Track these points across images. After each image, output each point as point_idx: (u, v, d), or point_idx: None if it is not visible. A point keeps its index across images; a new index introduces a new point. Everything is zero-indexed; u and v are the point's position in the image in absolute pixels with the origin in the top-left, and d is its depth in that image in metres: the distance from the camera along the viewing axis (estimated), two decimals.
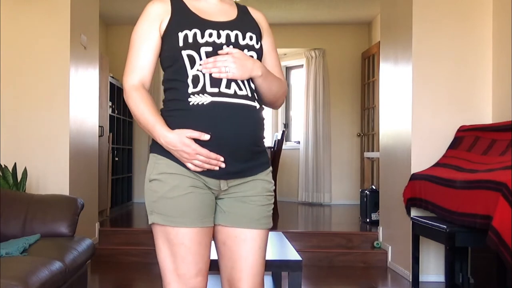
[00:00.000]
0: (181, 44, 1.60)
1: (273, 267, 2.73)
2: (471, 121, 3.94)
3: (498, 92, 3.91)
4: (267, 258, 2.74)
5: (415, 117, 4.00)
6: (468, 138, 3.74)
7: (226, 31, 1.63)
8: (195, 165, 1.56)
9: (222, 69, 1.57)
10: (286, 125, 8.21)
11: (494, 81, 3.96)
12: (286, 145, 7.85)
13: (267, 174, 1.70)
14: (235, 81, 1.59)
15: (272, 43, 1.79)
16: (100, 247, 4.70)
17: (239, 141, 1.58)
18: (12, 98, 4.12)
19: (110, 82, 6.27)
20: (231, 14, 1.72)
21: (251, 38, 1.66)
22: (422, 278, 3.88)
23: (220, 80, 1.58)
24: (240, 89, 1.59)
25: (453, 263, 3.39)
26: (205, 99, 1.57)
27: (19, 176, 3.73)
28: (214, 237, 1.68)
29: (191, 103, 1.57)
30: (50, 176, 4.11)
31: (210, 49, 1.60)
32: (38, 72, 4.15)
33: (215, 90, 1.57)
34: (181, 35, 1.60)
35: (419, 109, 4.00)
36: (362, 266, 4.58)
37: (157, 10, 1.71)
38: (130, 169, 7.55)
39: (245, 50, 1.64)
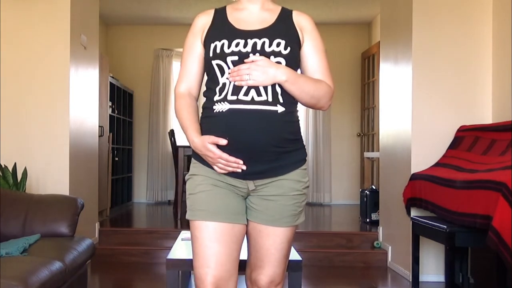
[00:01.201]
0: (211, 54, 1.74)
1: None
2: (471, 121, 3.94)
3: (498, 92, 3.91)
4: None
5: (415, 117, 4.01)
6: (468, 138, 3.74)
7: (254, 40, 1.71)
8: (220, 168, 1.70)
9: (244, 77, 1.65)
10: None
11: (494, 81, 3.96)
12: None
13: (297, 174, 1.76)
14: (256, 87, 1.67)
15: (316, 45, 1.81)
16: (100, 247, 4.70)
17: (256, 144, 1.67)
18: (12, 98, 4.12)
19: (110, 82, 6.27)
20: (268, 21, 1.78)
21: (278, 44, 1.71)
22: (422, 278, 3.88)
23: (241, 88, 1.68)
24: (259, 95, 1.67)
25: (453, 263, 3.39)
26: (225, 107, 1.69)
27: (19, 176, 3.73)
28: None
29: (215, 111, 1.71)
30: (50, 176, 4.11)
31: (236, 58, 1.70)
32: (38, 72, 4.15)
33: (234, 98, 1.68)
34: (212, 46, 1.74)
35: (419, 109, 4.01)
36: (362, 266, 4.58)
37: (200, 22, 1.84)
38: (130, 169, 7.55)
39: (272, 57, 1.70)
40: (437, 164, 3.82)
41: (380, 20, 5.05)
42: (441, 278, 3.89)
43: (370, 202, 5.47)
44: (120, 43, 7.77)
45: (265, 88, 1.67)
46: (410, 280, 3.82)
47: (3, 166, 3.70)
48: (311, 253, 4.63)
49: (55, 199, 3.32)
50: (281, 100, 1.70)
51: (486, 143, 3.48)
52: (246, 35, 1.73)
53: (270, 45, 1.71)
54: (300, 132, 1.80)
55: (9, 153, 4.04)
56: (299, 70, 1.82)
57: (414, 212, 3.85)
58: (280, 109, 1.69)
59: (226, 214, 1.72)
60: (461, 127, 3.91)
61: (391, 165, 4.51)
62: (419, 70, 4.01)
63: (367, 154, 6.42)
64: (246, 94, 1.67)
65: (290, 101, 1.73)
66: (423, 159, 3.94)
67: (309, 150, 7.58)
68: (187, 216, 1.76)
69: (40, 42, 4.15)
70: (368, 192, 5.50)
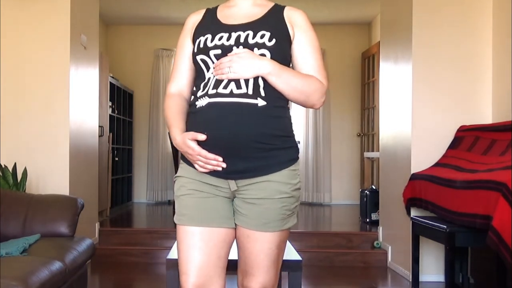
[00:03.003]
0: (195, 50, 1.70)
1: None
2: (471, 121, 3.94)
3: (498, 92, 3.91)
4: None
5: (415, 117, 4.01)
6: (468, 138, 3.74)
7: (238, 33, 1.66)
8: (200, 166, 1.63)
9: (224, 70, 1.59)
10: None
11: (494, 81, 3.96)
12: None
13: (285, 175, 1.64)
14: (236, 80, 1.60)
15: (308, 41, 1.73)
16: (100, 247, 4.70)
17: (235, 139, 1.58)
18: (12, 98, 4.12)
19: (110, 82, 6.27)
20: (257, 15, 1.72)
21: (262, 36, 1.64)
22: (422, 278, 3.88)
23: (222, 81, 1.61)
24: (239, 87, 1.59)
25: (453, 263, 3.38)
26: (205, 101, 1.62)
27: (19, 176, 3.73)
28: None
29: (197, 106, 1.65)
30: (50, 176, 4.11)
31: (219, 52, 1.65)
32: (38, 72, 4.15)
33: (214, 91, 1.61)
34: (197, 42, 1.71)
35: (419, 109, 4.00)
36: (362, 266, 4.58)
37: (191, 21, 1.82)
38: (130, 169, 7.55)
39: (255, 49, 1.63)
40: (437, 164, 3.82)
41: (380, 20, 5.05)
42: (441, 278, 3.89)
43: (370, 202, 5.47)
44: (120, 43, 7.77)
45: (246, 81, 1.59)
46: (410, 280, 3.82)
47: (3, 166, 3.70)
48: (311, 253, 4.63)
49: (55, 199, 3.32)
50: (262, 94, 1.60)
51: (486, 143, 3.48)
52: (231, 28, 1.68)
53: (254, 37, 1.64)
54: (290, 130, 1.69)
55: (9, 153, 4.04)
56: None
57: (414, 212, 3.85)
58: (260, 102, 1.59)
59: (209, 218, 1.65)
60: (461, 127, 3.91)
61: (391, 165, 4.51)
62: (419, 70, 4.01)
63: (367, 154, 6.42)
64: (225, 87, 1.60)
65: (275, 95, 1.63)
66: (423, 159, 3.94)
67: (309, 150, 7.58)
68: (174, 219, 1.72)
69: (40, 42, 4.15)
70: (368, 192, 5.50)
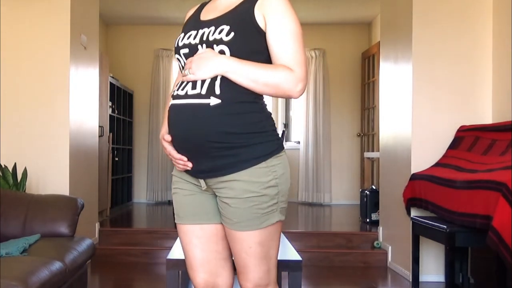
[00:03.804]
0: (174, 49, 1.71)
1: None
2: (471, 121, 3.94)
3: (498, 92, 3.91)
4: None
5: (415, 117, 4.01)
6: (468, 138, 3.74)
7: (204, 29, 1.62)
8: (175, 165, 1.69)
9: (185, 72, 1.60)
10: (286, 125, 8.21)
11: (494, 81, 3.96)
12: (286, 145, 7.85)
13: (251, 173, 1.57)
14: (193, 81, 1.59)
15: (281, 28, 1.59)
16: (100, 247, 4.70)
17: (190, 140, 1.58)
18: (12, 98, 4.12)
19: (110, 82, 6.27)
20: (229, 8, 1.65)
21: (221, 31, 1.58)
22: (422, 278, 3.88)
23: (184, 82, 1.63)
24: (194, 88, 1.58)
25: (453, 263, 3.38)
26: (170, 103, 1.67)
27: (19, 176, 3.73)
28: None
29: (169, 108, 1.69)
30: (50, 176, 4.11)
31: (187, 50, 1.65)
32: (38, 72, 4.15)
33: (176, 93, 1.64)
34: (175, 41, 1.72)
35: (419, 109, 4.00)
36: (362, 266, 4.58)
37: (186, 17, 1.84)
38: (130, 169, 7.55)
39: (214, 46, 1.58)
40: (437, 164, 3.82)
41: (380, 20, 5.05)
42: (441, 278, 3.89)
43: (370, 202, 5.47)
44: (120, 43, 7.77)
45: (203, 81, 1.57)
46: (410, 280, 3.82)
47: (3, 166, 3.70)
48: (311, 253, 4.63)
49: (55, 199, 3.32)
50: (217, 92, 1.55)
51: (486, 143, 3.48)
52: (202, 25, 1.65)
53: (213, 33, 1.59)
54: (259, 125, 1.59)
55: (9, 153, 4.04)
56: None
57: (414, 212, 3.85)
58: (214, 101, 1.54)
59: (195, 215, 1.69)
60: (461, 127, 3.91)
61: (391, 165, 4.51)
62: (419, 70, 4.01)
63: (367, 154, 6.42)
64: (183, 88, 1.60)
65: (236, 91, 1.57)
66: (423, 159, 3.94)
67: (309, 150, 7.59)
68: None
69: (40, 42, 4.15)
70: (368, 192, 5.50)
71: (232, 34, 1.56)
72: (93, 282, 4.10)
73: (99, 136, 5.24)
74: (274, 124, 1.67)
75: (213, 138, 1.55)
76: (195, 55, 1.59)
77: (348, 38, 7.69)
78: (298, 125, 7.99)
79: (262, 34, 1.60)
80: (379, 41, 5.26)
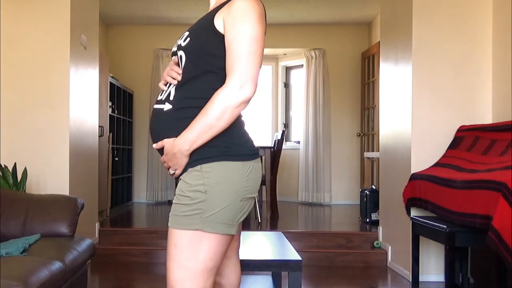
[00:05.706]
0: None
1: (273, 267, 2.73)
2: (471, 121, 3.94)
3: (498, 92, 3.91)
4: (267, 258, 2.75)
5: (415, 117, 4.01)
6: (468, 138, 3.74)
7: (184, 34, 1.68)
8: None
9: (170, 171, 1.64)
10: (286, 125, 8.21)
11: (494, 81, 3.96)
12: (286, 145, 7.86)
13: (188, 175, 1.57)
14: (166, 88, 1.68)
15: (231, 31, 1.53)
16: (100, 247, 4.70)
17: (154, 140, 1.67)
18: (12, 98, 4.13)
19: (110, 82, 6.27)
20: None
21: (183, 38, 1.65)
22: (422, 278, 3.88)
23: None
24: (160, 94, 1.69)
25: (453, 263, 3.38)
26: None
27: (19, 176, 3.73)
28: None
29: None
30: (50, 176, 4.11)
31: (174, 57, 1.70)
32: (38, 72, 4.15)
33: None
34: None
35: (419, 109, 4.01)
36: (362, 266, 4.58)
37: None
38: (130, 169, 7.55)
39: (178, 52, 1.65)
40: (437, 164, 3.82)
41: (380, 20, 5.05)
42: (441, 278, 3.90)
43: (370, 202, 5.47)
44: (120, 43, 7.77)
45: (169, 86, 1.67)
46: (410, 280, 3.82)
47: (3, 166, 3.70)
48: (311, 253, 4.63)
49: (55, 199, 3.32)
50: (171, 98, 1.62)
51: (486, 143, 3.48)
52: (187, 29, 1.70)
53: (180, 40, 1.66)
54: None
55: (9, 153, 4.04)
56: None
57: (414, 212, 3.85)
58: (166, 107, 1.62)
59: None
60: (461, 127, 3.91)
61: (391, 165, 4.51)
62: (419, 70, 4.02)
63: (367, 154, 6.42)
64: (160, 94, 1.71)
65: (184, 97, 1.59)
66: (423, 159, 3.94)
67: (309, 150, 7.59)
68: None
69: (40, 42, 4.16)
70: (368, 192, 5.50)
71: (188, 40, 1.62)
72: (93, 282, 4.10)
73: (99, 136, 5.24)
74: (236, 133, 1.60)
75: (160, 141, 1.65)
76: (163, 155, 1.62)
77: (348, 38, 7.70)
78: (298, 125, 7.99)
79: (221, 37, 1.56)
80: (379, 41, 5.26)
